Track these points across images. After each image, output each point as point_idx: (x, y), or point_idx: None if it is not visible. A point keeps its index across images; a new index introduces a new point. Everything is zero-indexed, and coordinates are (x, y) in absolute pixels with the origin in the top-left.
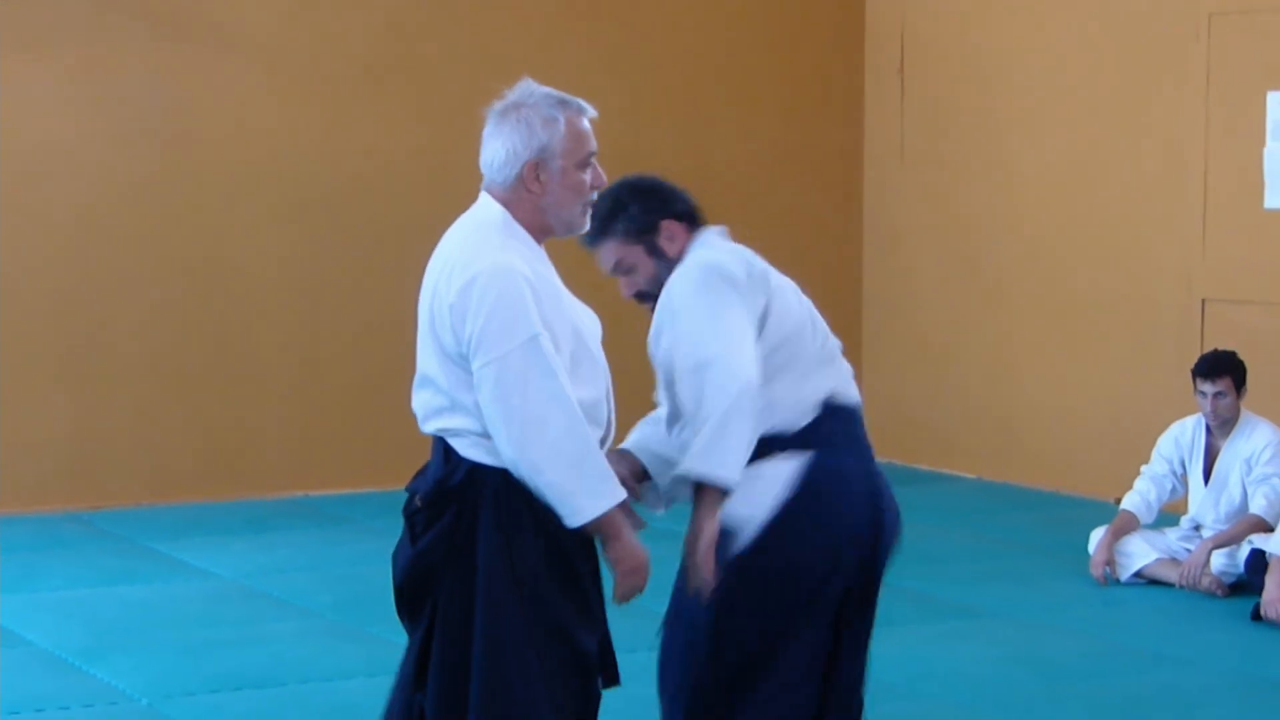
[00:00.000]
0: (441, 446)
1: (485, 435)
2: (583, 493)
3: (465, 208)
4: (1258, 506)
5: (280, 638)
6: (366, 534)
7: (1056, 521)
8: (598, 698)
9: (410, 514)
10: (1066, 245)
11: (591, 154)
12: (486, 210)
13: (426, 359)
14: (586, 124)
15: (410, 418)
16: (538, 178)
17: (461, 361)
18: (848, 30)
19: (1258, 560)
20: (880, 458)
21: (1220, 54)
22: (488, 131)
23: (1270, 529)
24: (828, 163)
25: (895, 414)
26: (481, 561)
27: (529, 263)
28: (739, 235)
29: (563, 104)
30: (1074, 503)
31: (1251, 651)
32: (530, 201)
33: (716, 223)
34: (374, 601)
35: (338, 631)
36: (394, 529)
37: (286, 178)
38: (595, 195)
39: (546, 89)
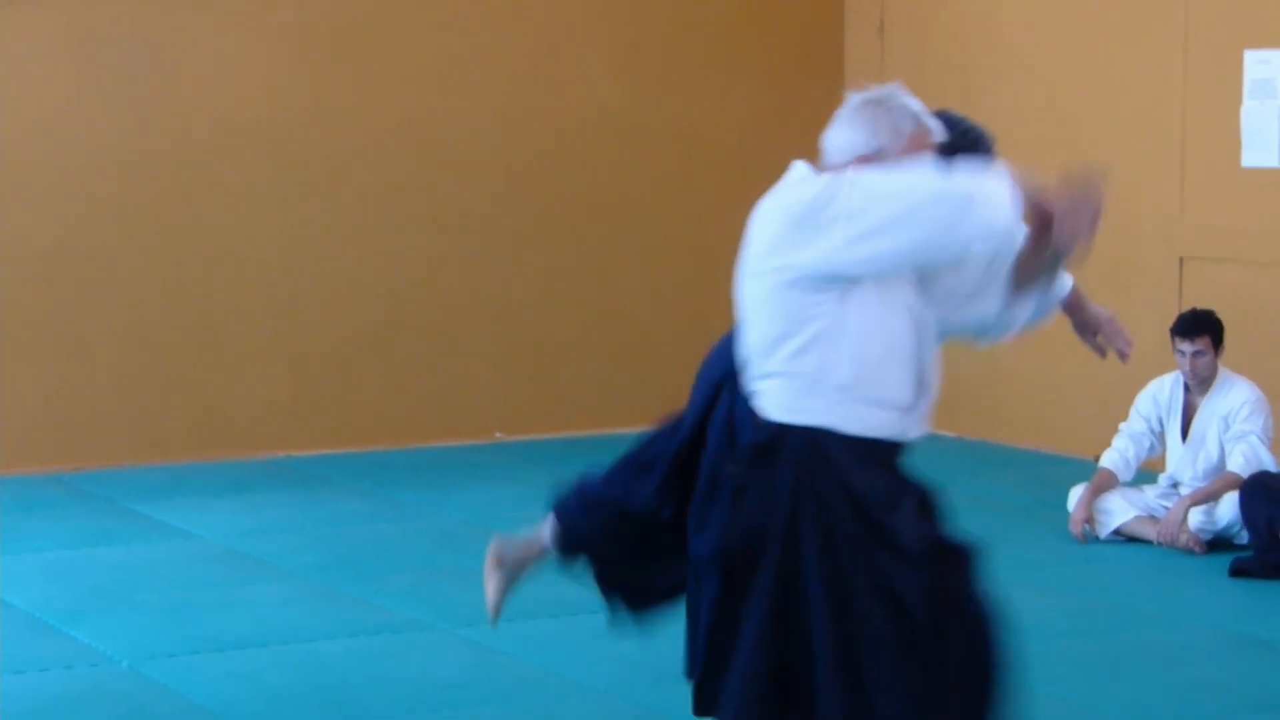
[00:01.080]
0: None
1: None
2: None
3: (447, 168)
4: (1235, 464)
5: (262, 599)
6: (348, 495)
7: (1036, 480)
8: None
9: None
10: None
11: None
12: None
13: None
14: (929, 144)
15: (392, 377)
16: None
17: None
18: None
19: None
20: None
21: (1198, 13)
22: (842, 115)
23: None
24: (809, 123)
25: None
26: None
27: None
28: (722, 195)
29: (916, 119)
30: (1053, 460)
31: (1229, 608)
32: None
33: (699, 183)
34: (355, 562)
35: (319, 592)
36: (375, 490)
37: (271, 141)
38: None
39: (913, 101)
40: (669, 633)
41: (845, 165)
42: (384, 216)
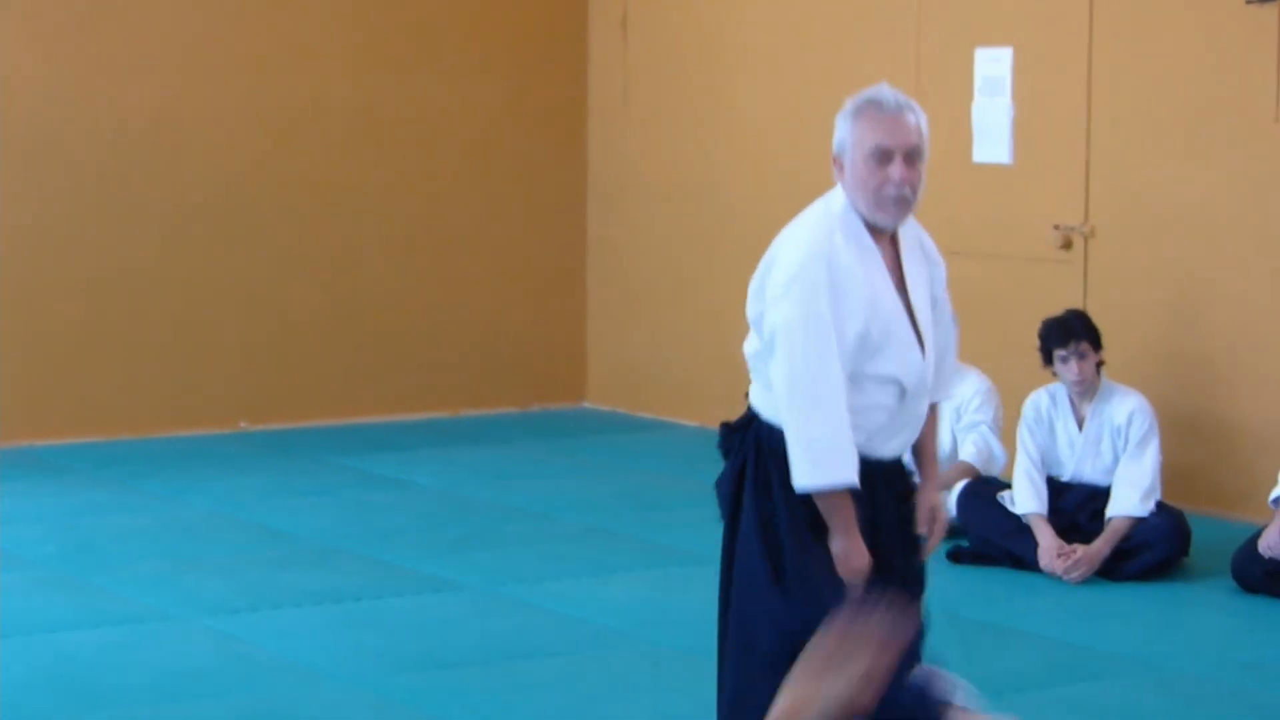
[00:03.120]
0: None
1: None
2: (803, 463)
3: (188, 155)
4: (967, 454)
5: (2, 589)
6: (91, 484)
7: None
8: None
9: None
10: (784, 196)
11: (880, 149)
12: (831, 199)
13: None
14: (883, 121)
15: (134, 366)
16: (842, 171)
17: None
18: None
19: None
20: (604, 406)
21: (931, 11)
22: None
23: (979, 475)
24: (552, 114)
25: (620, 363)
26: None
27: (840, 249)
28: (463, 185)
29: (861, 104)
30: None
31: (951, 592)
32: (845, 192)
33: (440, 173)
34: (98, 552)
35: (61, 583)
36: (118, 478)
37: (8, 127)
38: (898, 191)
39: (869, 92)
40: (408, 623)
41: (833, 168)
42: (125, 203)
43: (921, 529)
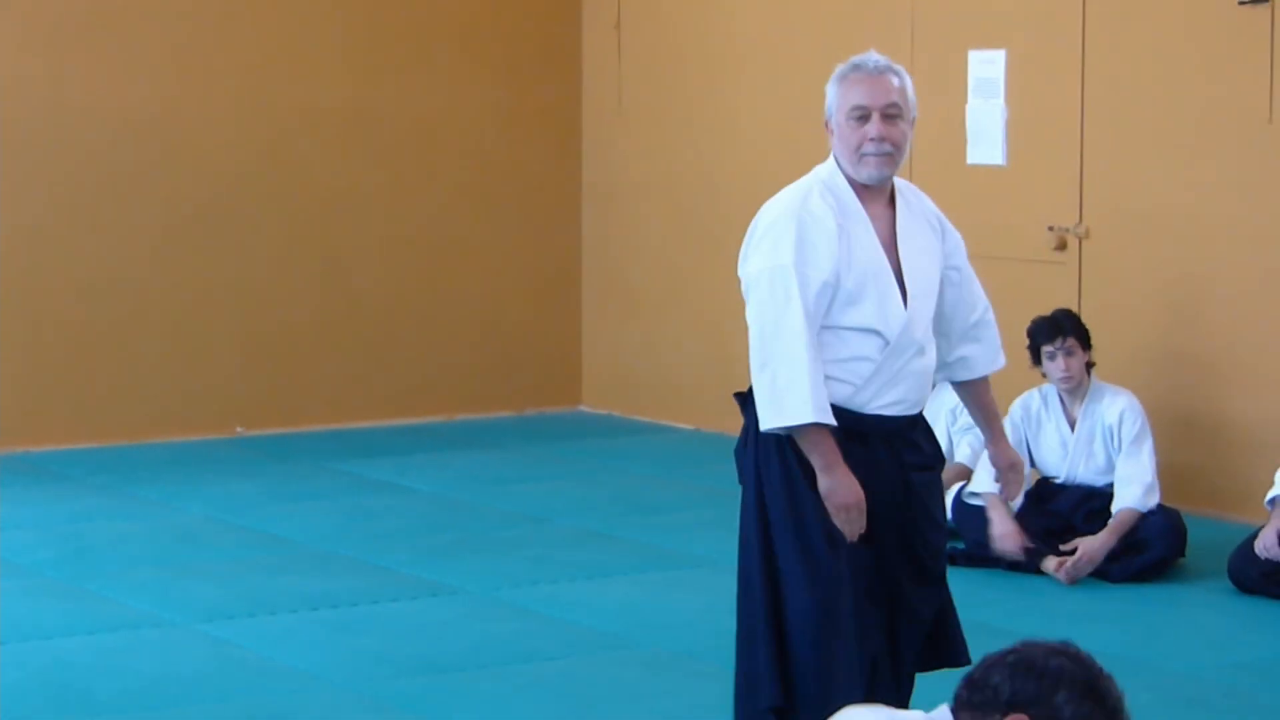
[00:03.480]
0: None
1: None
2: (766, 406)
3: (185, 160)
4: (963, 455)
5: None
6: (87, 490)
7: None
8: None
9: None
10: None
11: (858, 107)
12: (822, 165)
13: None
14: (863, 81)
15: (130, 371)
16: (832, 134)
17: None
18: None
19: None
20: (600, 410)
21: (924, 13)
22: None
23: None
24: (547, 117)
25: (615, 367)
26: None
27: (813, 206)
28: (460, 188)
29: (845, 68)
30: None
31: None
32: (834, 155)
33: (437, 176)
34: (94, 558)
35: (57, 589)
36: (114, 484)
37: (4, 131)
38: (878, 147)
39: (855, 57)
40: (405, 627)
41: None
42: (121, 208)
43: (999, 483)
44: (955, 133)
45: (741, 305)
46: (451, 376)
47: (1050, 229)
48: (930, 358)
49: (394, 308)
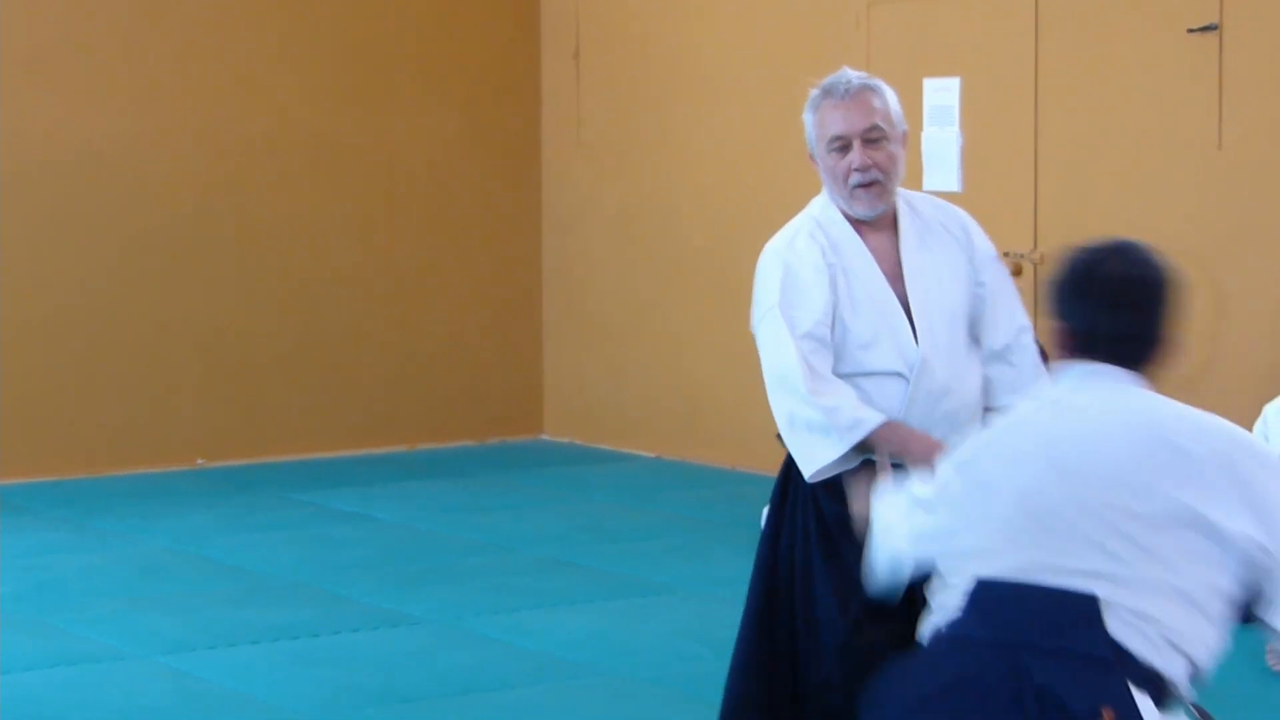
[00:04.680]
0: None
1: None
2: (800, 452)
3: (145, 190)
4: None
5: None
6: (48, 524)
7: (732, 498)
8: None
9: None
10: (739, 226)
11: (837, 137)
12: (815, 200)
13: None
14: (838, 107)
15: (90, 403)
16: (817, 166)
17: None
18: (524, 15)
19: None
20: (562, 438)
21: (879, 41)
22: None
23: None
24: (507, 146)
25: (575, 394)
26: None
27: (801, 248)
28: (421, 217)
29: (816, 95)
30: (749, 479)
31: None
32: (824, 186)
33: (398, 206)
34: (56, 592)
35: (19, 623)
36: (75, 517)
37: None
38: (863, 176)
39: (827, 79)
40: (367, 658)
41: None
42: (81, 239)
43: None
44: (911, 160)
45: (703, 330)
46: (413, 406)
47: (1005, 255)
48: (964, 396)
49: (355, 338)
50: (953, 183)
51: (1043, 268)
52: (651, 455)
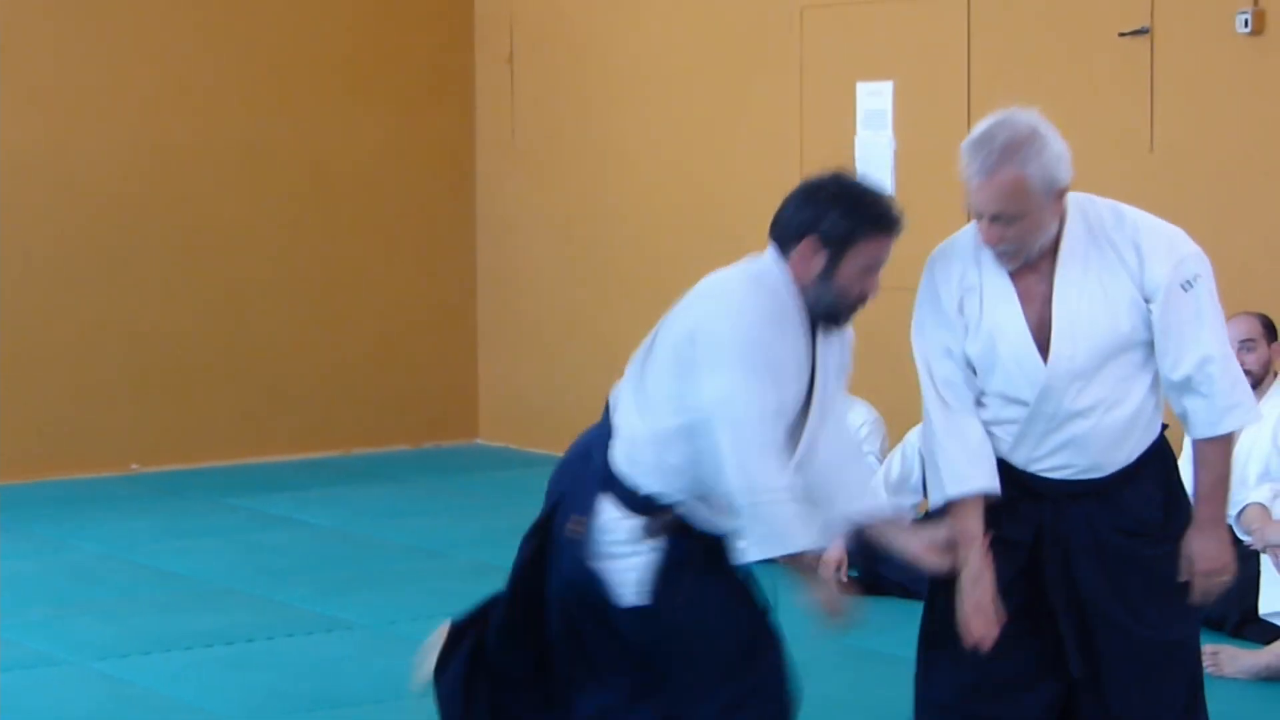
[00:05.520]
0: None
1: None
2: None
3: (75, 196)
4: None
5: None
6: None
7: None
8: None
9: None
10: (673, 230)
11: (974, 207)
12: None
13: None
14: (974, 182)
15: (23, 409)
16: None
17: None
18: (457, 20)
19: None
20: (497, 443)
21: (812, 45)
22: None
23: None
24: (440, 152)
25: (511, 399)
26: None
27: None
28: (354, 224)
29: (966, 148)
30: None
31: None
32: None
33: (330, 211)
34: None
35: None
36: (6, 523)
37: None
38: (993, 249)
39: (978, 132)
40: (302, 663)
41: None
42: (11, 242)
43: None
44: (845, 163)
45: (638, 335)
46: (348, 411)
47: None
48: (1105, 421)
49: (289, 343)
50: (886, 187)
51: None
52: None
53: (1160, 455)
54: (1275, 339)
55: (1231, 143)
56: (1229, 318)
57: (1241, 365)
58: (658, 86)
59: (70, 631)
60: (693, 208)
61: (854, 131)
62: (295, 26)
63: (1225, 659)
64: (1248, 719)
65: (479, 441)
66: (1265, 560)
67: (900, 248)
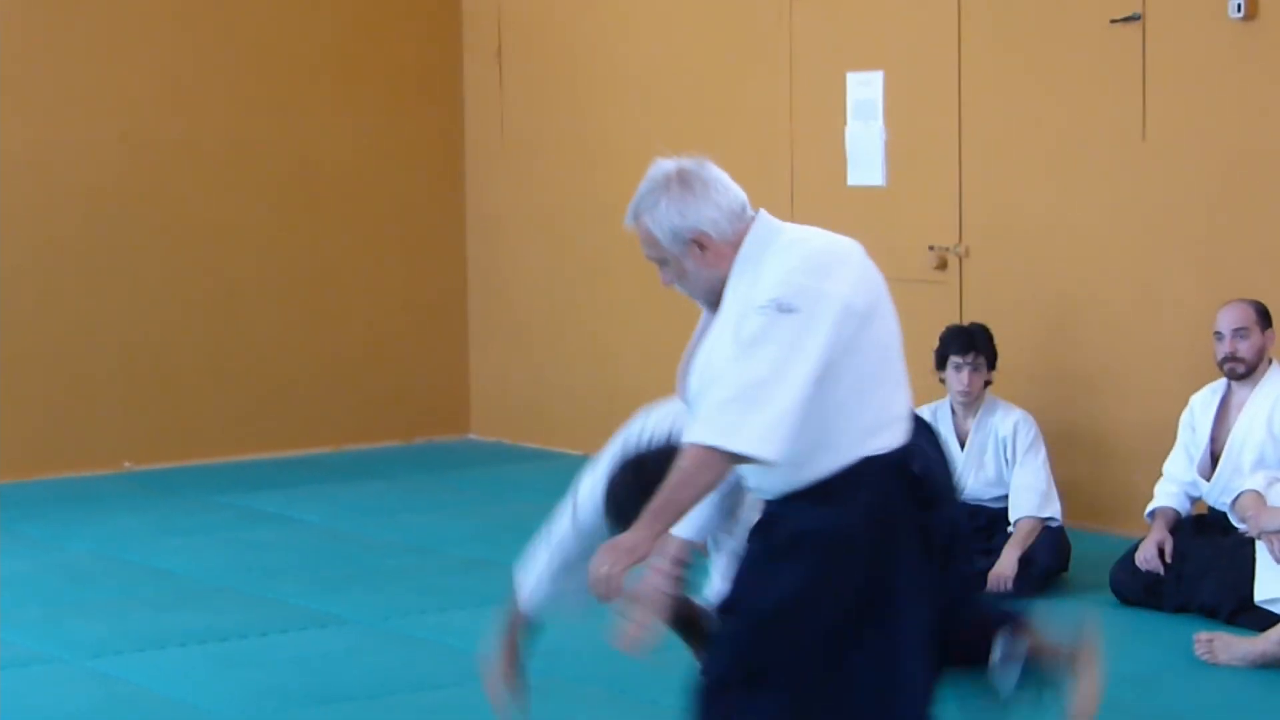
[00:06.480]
0: None
1: None
2: None
3: (66, 194)
4: None
5: None
6: None
7: None
8: None
9: None
10: None
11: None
12: None
13: None
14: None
15: (15, 408)
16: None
17: None
18: (445, 15)
19: None
20: (488, 438)
21: (802, 37)
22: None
23: None
24: (429, 147)
25: (502, 395)
26: None
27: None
28: (344, 221)
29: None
30: None
31: None
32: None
33: (319, 207)
34: None
35: None
36: (1, 523)
37: None
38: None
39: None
40: (294, 660)
41: None
42: (1, 243)
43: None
44: (835, 155)
45: (628, 329)
46: (339, 407)
47: (931, 249)
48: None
49: (280, 339)
50: (877, 177)
51: (967, 261)
52: (578, 454)
53: None
54: (1269, 326)
55: (1225, 129)
56: (1224, 305)
57: (1235, 353)
58: (647, 80)
59: (63, 629)
60: None
61: (844, 122)
62: (282, 23)
63: (1220, 646)
64: (1243, 706)
65: (470, 436)
66: (1260, 547)
67: (894, 239)
